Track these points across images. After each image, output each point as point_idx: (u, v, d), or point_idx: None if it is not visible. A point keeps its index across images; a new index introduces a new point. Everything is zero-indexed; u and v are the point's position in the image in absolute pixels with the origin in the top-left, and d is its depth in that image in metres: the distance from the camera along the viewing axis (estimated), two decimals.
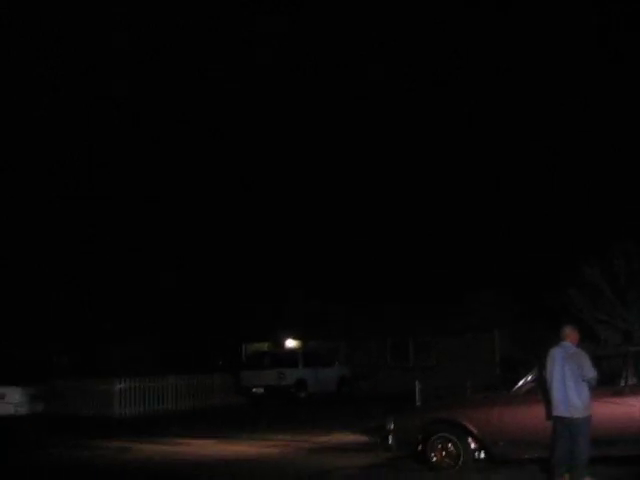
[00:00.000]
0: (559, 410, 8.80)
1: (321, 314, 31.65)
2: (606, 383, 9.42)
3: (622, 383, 9.57)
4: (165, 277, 33.30)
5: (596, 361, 9.28)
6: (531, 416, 9.65)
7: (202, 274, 34.38)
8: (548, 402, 9.06)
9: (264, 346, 31.04)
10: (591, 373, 8.81)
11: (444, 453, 10.12)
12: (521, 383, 10.04)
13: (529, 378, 9.96)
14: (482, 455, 10.15)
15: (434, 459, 10.14)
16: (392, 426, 10.80)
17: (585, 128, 38.08)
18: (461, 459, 10.01)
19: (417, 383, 17.00)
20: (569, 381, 8.75)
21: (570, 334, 9.07)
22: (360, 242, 36.33)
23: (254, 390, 24.75)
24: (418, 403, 16.65)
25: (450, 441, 10.10)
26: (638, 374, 9.56)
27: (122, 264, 33.38)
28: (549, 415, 9.09)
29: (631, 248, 19.66)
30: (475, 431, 10.02)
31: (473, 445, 10.10)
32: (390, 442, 10.74)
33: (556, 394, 8.83)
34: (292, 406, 22.68)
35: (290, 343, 31.26)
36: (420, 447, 10.34)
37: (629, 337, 20.19)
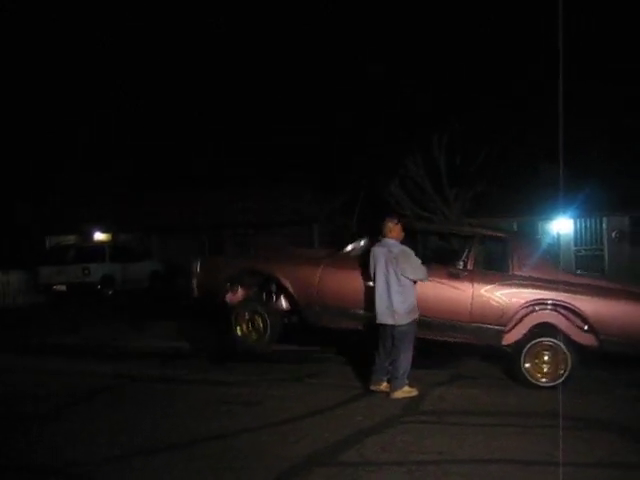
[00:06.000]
0: (382, 318, 7.91)
1: (131, 203, 29.44)
2: (443, 261, 8.60)
3: (460, 266, 8.79)
4: None
5: (438, 237, 9.03)
6: (354, 283, 8.64)
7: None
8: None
9: (71, 239, 28.52)
10: (418, 275, 7.92)
11: (250, 326, 9.20)
12: (352, 246, 9.02)
13: (362, 243, 8.94)
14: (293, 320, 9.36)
15: (239, 331, 9.21)
16: (198, 269, 9.53)
17: None
18: (268, 331, 9.07)
19: None
20: (393, 285, 7.81)
21: (393, 229, 8.03)
22: (174, 119, 33.83)
23: (55, 287, 22.68)
24: None
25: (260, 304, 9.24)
26: (477, 259, 8.82)
27: None
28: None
29: (453, 141, 19.13)
30: (291, 289, 8.95)
31: (285, 305, 9.21)
32: (194, 287, 9.52)
33: (379, 302, 7.90)
34: (96, 305, 20.84)
35: (99, 236, 29.03)
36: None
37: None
